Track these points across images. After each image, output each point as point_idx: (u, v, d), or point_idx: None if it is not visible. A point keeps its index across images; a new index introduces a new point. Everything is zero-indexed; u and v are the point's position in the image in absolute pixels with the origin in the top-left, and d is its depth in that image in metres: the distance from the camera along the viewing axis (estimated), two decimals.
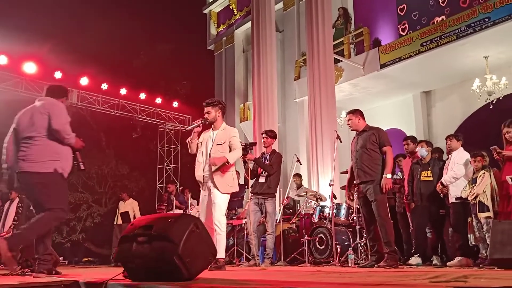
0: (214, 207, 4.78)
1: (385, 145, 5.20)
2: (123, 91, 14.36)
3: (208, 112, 4.97)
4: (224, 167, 4.81)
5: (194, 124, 4.97)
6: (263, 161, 6.48)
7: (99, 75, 13.92)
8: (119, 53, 18.21)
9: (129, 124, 14.92)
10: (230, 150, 4.89)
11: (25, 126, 3.99)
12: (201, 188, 4.99)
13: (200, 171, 4.91)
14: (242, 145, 5.33)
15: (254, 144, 7.18)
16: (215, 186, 4.79)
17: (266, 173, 6.36)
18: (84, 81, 13.41)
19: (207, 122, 5.00)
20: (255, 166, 6.46)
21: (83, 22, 18.08)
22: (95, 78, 13.72)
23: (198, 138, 5.03)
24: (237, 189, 5.06)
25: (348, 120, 5.52)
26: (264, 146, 6.68)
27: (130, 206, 10.57)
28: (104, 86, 13.89)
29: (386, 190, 5.08)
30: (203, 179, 4.90)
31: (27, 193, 4.36)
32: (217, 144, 4.87)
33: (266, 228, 6.53)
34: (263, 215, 6.52)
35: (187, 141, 5.05)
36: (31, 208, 4.48)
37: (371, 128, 5.40)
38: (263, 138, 6.65)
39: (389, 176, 5.06)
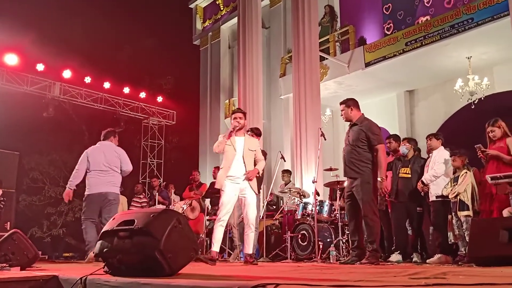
0: (250, 208, 5.16)
1: (376, 144, 5.03)
2: (106, 84, 14.17)
3: (240, 118, 5.30)
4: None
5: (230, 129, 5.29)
6: None
7: (83, 68, 13.72)
8: (103, 46, 17.97)
9: (112, 119, 14.75)
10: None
11: None
12: (224, 188, 5.17)
13: (234, 171, 5.16)
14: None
15: None
16: (251, 188, 5.17)
17: None
18: (67, 74, 13.20)
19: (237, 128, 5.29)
20: None
21: (67, 14, 17.79)
22: (78, 71, 13.52)
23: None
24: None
25: (341, 111, 5.36)
26: None
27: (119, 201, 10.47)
28: (88, 80, 13.69)
29: (382, 194, 5.04)
30: (234, 180, 5.16)
31: None
32: (249, 149, 5.24)
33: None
34: None
35: (221, 138, 5.24)
36: None
37: (363, 122, 5.19)
38: (249, 135, 6.65)
39: (384, 179, 5.01)
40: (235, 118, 5.30)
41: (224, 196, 5.16)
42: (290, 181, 8.87)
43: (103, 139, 6.37)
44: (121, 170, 6.17)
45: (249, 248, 5.19)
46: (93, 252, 5.26)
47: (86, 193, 6.03)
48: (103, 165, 6.02)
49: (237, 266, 4.70)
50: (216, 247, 5.09)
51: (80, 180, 6.06)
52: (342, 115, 5.40)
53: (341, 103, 5.41)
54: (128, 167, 6.25)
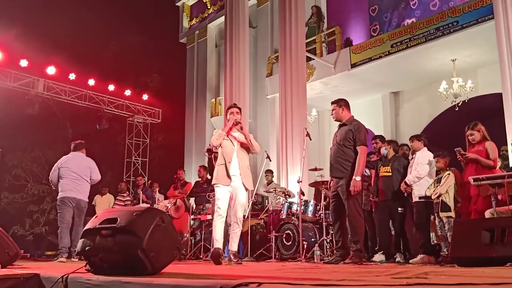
0: (239, 205, 5.09)
1: (359, 144, 5.09)
2: (91, 82, 14.03)
3: (237, 113, 5.28)
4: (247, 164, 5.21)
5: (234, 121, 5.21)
6: None
7: (67, 65, 13.55)
8: (88, 42, 17.78)
9: (96, 116, 14.61)
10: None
11: None
12: (220, 186, 5.09)
13: (231, 169, 5.08)
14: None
15: None
16: (244, 185, 5.10)
17: None
18: (51, 70, 13.03)
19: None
20: None
21: (52, 9, 17.54)
22: (63, 67, 13.35)
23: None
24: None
25: (332, 110, 5.40)
26: None
27: (107, 200, 10.39)
28: (72, 76, 13.53)
29: (355, 192, 4.97)
30: (230, 178, 5.06)
31: None
32: (242, 146, 5.18)
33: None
34: None
35: (221, 132, 5.21)
36: None
37: (352, 122, 5.26)
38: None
39: (358, 178, 4.96)
40: (232, 113, 5.25)
41: (220, 191, 5.06)
42: (273, 181, 8.89)
43: (73, 150, 7.07)
44: (90, 179, 6.92)
45: (235, 245, 5.12)
46: (64, 257, 6.35)
47: (60, 196, 6.74)
48: (75, 174, 6.77)
49: (221, 266, 4.68)
50: (219, 244, 4.94)
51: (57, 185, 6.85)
52: (332, 114, 5.45)
53: (332, 103, 5.45)
54: (98, 176, 7.04)
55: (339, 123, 5.42)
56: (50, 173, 6.97)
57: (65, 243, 6.54)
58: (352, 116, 5.37)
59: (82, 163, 6.91)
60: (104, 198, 10.43)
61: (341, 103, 5.35)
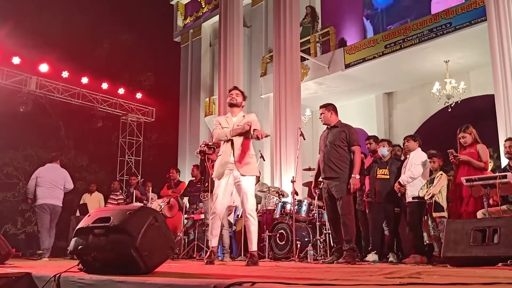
0: (247, 196, 4.53)
1: (354, 144, 5.24)
2: (84, 80, 13.94)
3: (237, 95, 4.81)
4: (246, 151, 4.59)
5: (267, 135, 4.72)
6: None
7: (60, 62, 13.46)
8: (81, 40, 17.69)
9: (89, 114, 14.53)
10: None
11: None
12: (218, 179, 4.65)
13: (227, 158, 4.60)
14: (207, 143, 5.45)
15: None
16: (245, 172, 4.54)
17: None
18: (43, 67, 12.93)
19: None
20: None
21: (44, 6, 17.42)
22: (56, 65, 13.26)
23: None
24: (258, 173, 4.82)
25: (321, 114, 5.51)
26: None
27: (96, 199, 10.33)
28: (65, 74, 13.44)
29: (354, 190, 5.14)
30: (228, 167, 4.59)
31: None
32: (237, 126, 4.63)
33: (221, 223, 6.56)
34: None
35: (223, 132, 4.70)
36: None
37: (342, 125, 5.42)
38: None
39: (357, 176, 5.13)
40: (231, 95, 4.79)
41: (215, 185, 4.68)
42: (259, 180, 8.87)
43: (50, 162, 8.22)
44: (64, 187, 7.94)
45: (254, 245, 4.57)
46: (47, 257, 7.43)
47: (38, 203, 7.65)
48: (50, 183, 7.76)
49: (214, 265, 4.66)
50: (214, 242, 4.69)
51: (33, 194, 7.76)
52: (321, 118, 5.55)
53: (321, 107, 5.57)
54: (71, 185, 8.11)
55: (326, 126, 5.53)
56: (28, 183, 7.95)
57: (46, 244, 7.58)
58: (340, 120, 5.52)
59: (57, 173, 7.99)
60: (93, 197, 10.39)
61: (330, 108, 5.48)
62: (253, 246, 4.55)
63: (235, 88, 4.96)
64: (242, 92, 4.90)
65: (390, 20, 11.26)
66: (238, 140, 4.62)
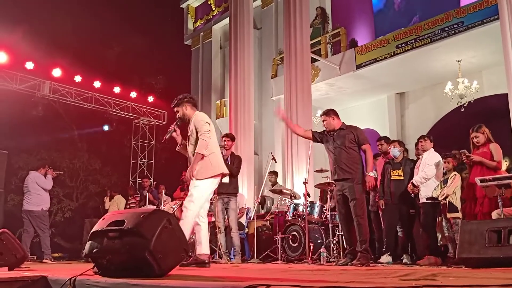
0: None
1: (364, 143, 5.29)
2: (97, 84, 14.04)
3: (177, 112, 4.80)
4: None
5: (169, 131, 4.74)
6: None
7: (73, 67, 13.58)
8: (93, 45, 17.85)
9: (102, 118, 14.65)
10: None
11: None
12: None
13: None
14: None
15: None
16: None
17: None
18: (56, 72, 13.05)
19: (179, 123, 4.79)
20: None
21: (57, 11, 17.62)
22: (68, 69, 13.38)
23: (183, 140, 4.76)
24: (216, 172, 4.58)
25: (323, 121, 5.58)
26: (226, 149, 6.77)
27: (115, 202, 10.42)
28: (78, 79, 13.56)
29: (370, 187, 5.20)
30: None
31: None
32: (189, 136, 4.61)
33: (230, 226, 6.61)
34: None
35: (176, 149, 4.80)
36: None
37: (348, 127, 5.46)
38: (226, 141, 6.86)
39: (371, 174, 5.19)
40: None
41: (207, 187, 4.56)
42: (277, 182, 8.89)
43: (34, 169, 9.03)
44: (43, 189, 8.54)
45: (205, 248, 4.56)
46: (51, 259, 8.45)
47: (43, 208, 8.57)
48: (26, 190, 8.57)
49: (228, 267, 4.67)
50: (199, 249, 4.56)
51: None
52: (324, 125, 5.59)
53: (322, 115, 5.66)
54: (46, 186, 8.63)
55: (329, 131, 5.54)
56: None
57: (48, 245, 8.70)
58: (343, 122, 5.56)
59: (32, 179, 8.60)
60: (114, 201, 10.48)
61: (331, 113, 5.54)
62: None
63: (173, 107, 4.91)
64: (178, 104, 4.83)
65: (402, 19, 11.17)
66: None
